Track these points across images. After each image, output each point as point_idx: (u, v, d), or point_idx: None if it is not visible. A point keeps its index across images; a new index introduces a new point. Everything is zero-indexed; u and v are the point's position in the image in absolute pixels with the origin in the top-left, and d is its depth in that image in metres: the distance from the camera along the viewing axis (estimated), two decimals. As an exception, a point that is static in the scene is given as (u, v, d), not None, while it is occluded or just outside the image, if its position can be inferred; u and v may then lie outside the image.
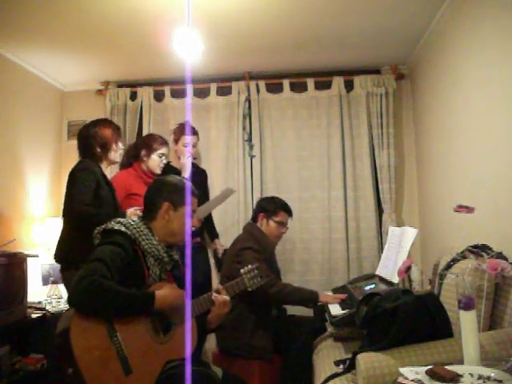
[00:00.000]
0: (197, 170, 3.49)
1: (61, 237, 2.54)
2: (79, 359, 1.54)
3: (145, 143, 3.17)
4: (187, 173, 3.19)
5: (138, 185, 3.01)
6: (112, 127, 2.68)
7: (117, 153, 2.69)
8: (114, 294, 1.62)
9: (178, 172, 3.22)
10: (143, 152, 3.13)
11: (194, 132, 3.40)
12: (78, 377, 1.53)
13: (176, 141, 3.39)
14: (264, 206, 2.98)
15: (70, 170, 2.54)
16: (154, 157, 3.12)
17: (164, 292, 1.75)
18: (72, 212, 2.42)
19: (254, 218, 3.00)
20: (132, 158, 3.16)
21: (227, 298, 1.94)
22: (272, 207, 2.95)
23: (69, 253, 2.43)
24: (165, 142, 3.20)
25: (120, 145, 2.71)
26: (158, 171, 3.13)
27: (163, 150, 3.16)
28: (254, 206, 3.18)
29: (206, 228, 3.52)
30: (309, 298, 2.70)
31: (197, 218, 2.09)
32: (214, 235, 3.55)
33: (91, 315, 1.61)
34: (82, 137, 2.64)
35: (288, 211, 3.00)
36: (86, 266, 1.67)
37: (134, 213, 2.50)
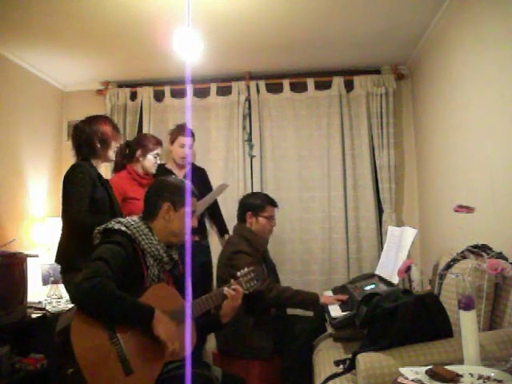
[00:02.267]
0: (195, 169, 3.50)
1: (60, 239, 2.52)
2: (79, 359, 1.54)
3: (140, 143, 3.16)
4: (186, 173, 3.20)
5: (133, 188, 3.01)
6: (112, 125, 2.64)
7: (113, 151, 2.64)
8: (115, 300, 1.61)
9: (172, 175, 3.23)
10: (139, 152, 3.13)
11: (191, 134, 3.41)
12: (78, 376, 1.53)
13: (172, 141, 3.40)
14: (249, 204, 2.94)
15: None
16: (150, 157, 3.13)
17: (164, 325, 1.68)
18: (71, 221, 2.39)
19: (242, 219, 2.95)
20: (125, 158, 3.15)
21: (240, 288, 1.97)
22: (258, 204, 2.92)
23: (68, 254, 2.41)
24: (159, 142, 3.22)
25: (117, 143, 2.67)
26: (153, 171, 3.14)
27: (158, 150, 3.17)
28: (238, 206, 3.05)
29: (216, 224, 3.59)
30: (309, 300, 2.70)
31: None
32: (224, 231, 3.56)
33: (90, 315, 1.61)
34: (81, 132, 2.56)
35: (273, 204, 2.99)
36: (88, 265, 1.67)
37: None
